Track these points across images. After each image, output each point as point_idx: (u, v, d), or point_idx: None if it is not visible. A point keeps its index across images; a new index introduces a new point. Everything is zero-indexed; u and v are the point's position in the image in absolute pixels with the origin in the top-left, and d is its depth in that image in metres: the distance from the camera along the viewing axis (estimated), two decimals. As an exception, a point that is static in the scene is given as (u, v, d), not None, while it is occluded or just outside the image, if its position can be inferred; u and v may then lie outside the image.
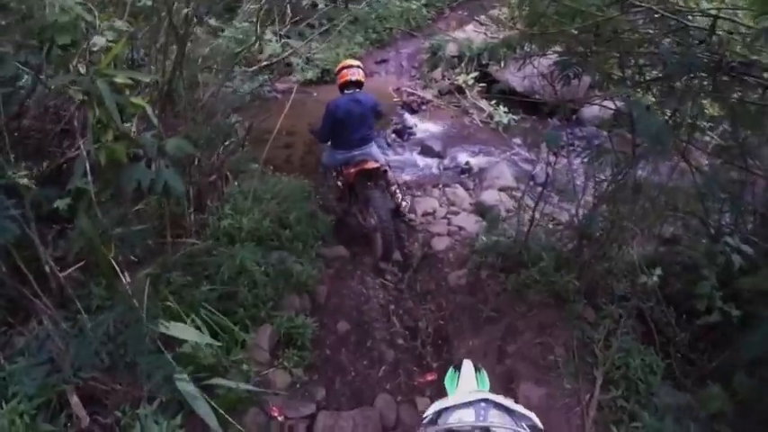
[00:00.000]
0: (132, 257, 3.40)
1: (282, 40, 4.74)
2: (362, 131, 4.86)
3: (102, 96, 2.51)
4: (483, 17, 11.89)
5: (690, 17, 2.80)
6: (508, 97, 9.06)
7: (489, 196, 6.50)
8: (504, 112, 9.32)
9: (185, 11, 3.29)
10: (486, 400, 1.27)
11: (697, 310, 2.91)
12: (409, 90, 9.88)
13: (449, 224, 5.80)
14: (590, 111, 8.94)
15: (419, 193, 6.64)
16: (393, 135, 8.46)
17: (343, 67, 5.02)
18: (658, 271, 3.12)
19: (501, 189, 6.96)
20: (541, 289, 3.85)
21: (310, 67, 10.53)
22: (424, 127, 8.94)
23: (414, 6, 12.03)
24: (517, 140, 8.88)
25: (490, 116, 9.39)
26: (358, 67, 5.00)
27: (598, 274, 3.91)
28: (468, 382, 1.68)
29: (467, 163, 7.71)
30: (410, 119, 9.04)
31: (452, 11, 12.74)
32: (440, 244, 5.31)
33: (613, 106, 3.48)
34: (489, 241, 4.62)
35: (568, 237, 4.19)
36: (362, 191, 4.97)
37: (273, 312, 3.80)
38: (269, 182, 5.10)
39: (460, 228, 5.65)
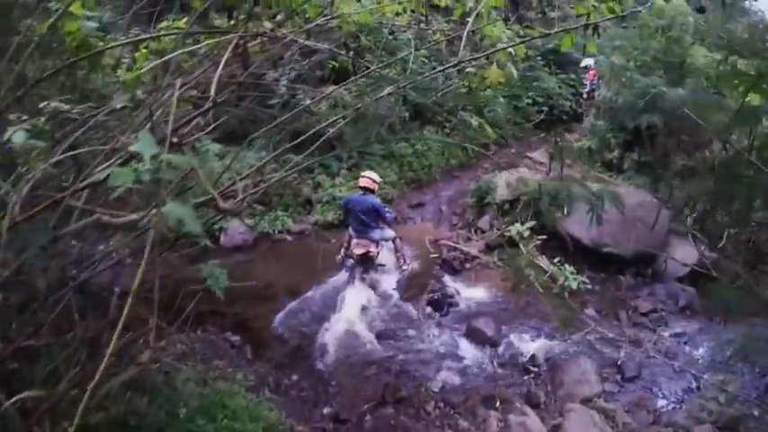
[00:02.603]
0: None
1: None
2: (363, 221, 6.34)
3: None
4: (537, 153, 10.26)
5: None
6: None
7: (577, 426, 4.13)
8: (571, 273, 7.28)
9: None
10: None
11: None
12: (450, 243, 7.88)
13: None
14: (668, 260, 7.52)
15: (466, 423, 4.27)
16: (429, 308, 6.29)
17: (360, 176, 6.66)
18: None
19: (586, 400, 4.90)
20: None
21: (332, 207, 8.83)
22: (469, 294, 6.85)
23: (456, 142, 10.47)
24: (591, 311, 6.91)
25: (552, 278, 7.33)
26: (368, 177, 6.52)
27: None
28: None
29: (532, 357, 5.43)
30: (450, 283, 6.94)
31: (501, 148, 11.09)
32: None
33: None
34: None
35: None
36: (357, 260, 6.49)
37: None
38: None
39: None
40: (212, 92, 2.12)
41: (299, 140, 3.22)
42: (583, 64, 11.25)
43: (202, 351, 4.86)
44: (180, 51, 2.49)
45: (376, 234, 6.45)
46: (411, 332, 5.92)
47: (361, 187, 6.51)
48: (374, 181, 6.52)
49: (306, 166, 9.48)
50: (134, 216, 1.95)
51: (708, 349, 5.87)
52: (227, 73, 3.60)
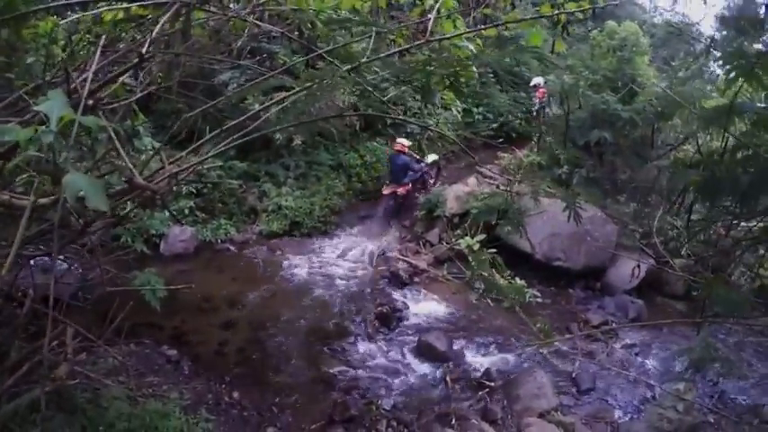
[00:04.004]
0: None
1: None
2: (396, 172, 8.82)
3: None
4: (487, 168, 10.20)
5: None
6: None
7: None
8: (522, 287, 7.11)
9: None
10: None
11: None
12: (398, 256, 7.62)
13: None
14: (616, 274, 7.74)
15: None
16: (377, 322, 5.96)
17: (395, 142, 9.08)
18: None
19: (543, 414, 4.74)
20: None
21: (278, 217, 8.44)
22: (419, 308, 6.59)
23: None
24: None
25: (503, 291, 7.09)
26: (400, 143, 8.89)
27: None
28: None
29: (486, 372, 5.21)
30: (399, 297, 6.65)
31: (449, 162, 11.01)
32: None
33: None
34: None
35: None
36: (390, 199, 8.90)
37: None
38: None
39: None
40: (145, 48, 1.79)
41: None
42: (532, 83, 11.27)
43: (135, 366, 4.37)
44: (107, 8, 2.14)
45: (406, 178, 8.85)
46: (359, 347, 5.60)
47: (396, 150, 8.86)
48: (404, 145, 8.88)
49: (251, 175, 9.10)
50: (42, 199, 1.56)
51: (660, 359, 5.87)
52: (169, 57, 3.23)
